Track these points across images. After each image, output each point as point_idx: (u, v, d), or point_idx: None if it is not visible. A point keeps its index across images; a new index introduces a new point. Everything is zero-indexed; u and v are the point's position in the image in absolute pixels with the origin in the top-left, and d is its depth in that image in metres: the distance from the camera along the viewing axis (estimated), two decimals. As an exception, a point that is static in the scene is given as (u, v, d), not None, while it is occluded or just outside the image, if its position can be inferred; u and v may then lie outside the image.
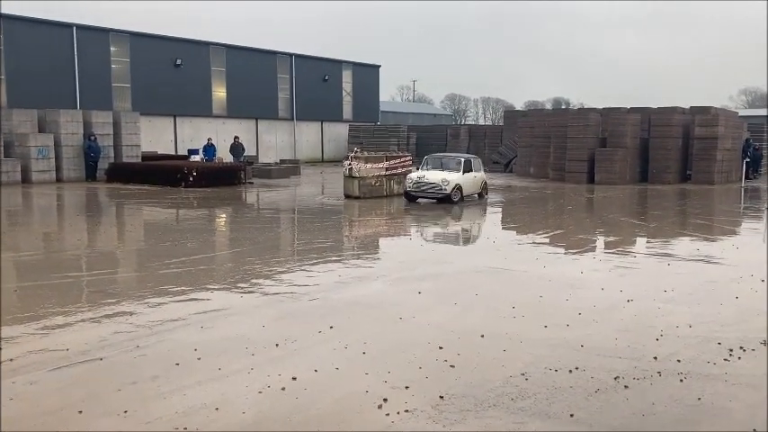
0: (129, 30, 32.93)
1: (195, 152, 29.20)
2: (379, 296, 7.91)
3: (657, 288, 8.11)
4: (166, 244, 11.70)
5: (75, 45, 30.15)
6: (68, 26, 30.39)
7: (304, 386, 4.92)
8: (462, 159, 18.82)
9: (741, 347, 5.84)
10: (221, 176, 23.70)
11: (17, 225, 14.74)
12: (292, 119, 40.88)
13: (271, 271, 9.25)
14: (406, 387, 4.90)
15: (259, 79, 38.28)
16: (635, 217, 16.64)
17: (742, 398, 4.82)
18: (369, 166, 19.27)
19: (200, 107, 35.62)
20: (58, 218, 16.55)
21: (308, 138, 42.15)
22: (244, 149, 29.60)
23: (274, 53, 39.90)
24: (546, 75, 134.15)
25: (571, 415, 4.47)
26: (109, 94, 31.69)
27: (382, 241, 12.84)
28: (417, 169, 19.11)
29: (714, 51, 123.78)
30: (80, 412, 4.47)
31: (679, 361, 5.51)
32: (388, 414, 4.45)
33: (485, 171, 20.54)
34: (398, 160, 20.32)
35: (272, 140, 39.65)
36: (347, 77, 44.85)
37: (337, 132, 43.31)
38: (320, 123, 42.90)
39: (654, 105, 29.44)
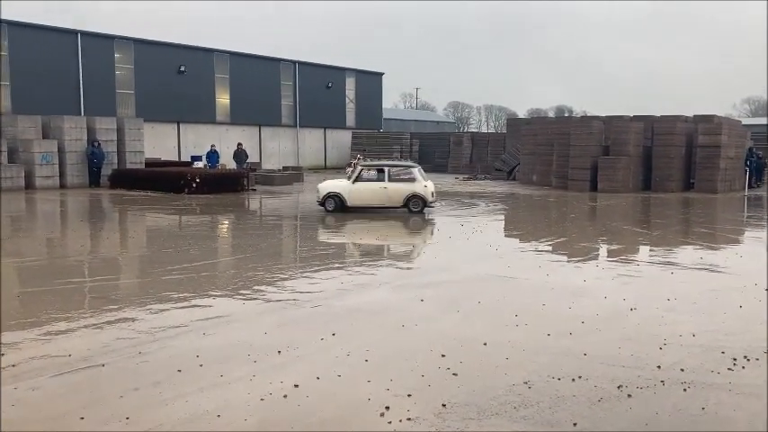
0: (134, 36, 33.12)
1: (198, 159, 29.29)
2: (381, 303, 7.89)
3: (661, 297, 8.09)
4: (169, 250, 11.71)
5: (80, 51, 30.33)
6: (73, 32, 30.58)
7: (306, 393, 4.91)
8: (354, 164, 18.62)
9: (745, 357, 5.82)
10: (224, 183, 23.71)
11: (20, 231, 14.78)
12: (295, 126, 40.97)
13: (273, 278, 9.25)
14: (409, 395, 4.89)
15: (262, 86, 38.40)
16: (638, 225, 16.61)
17: (746, 407, 4.80)
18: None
19: (204, 114, 35.74)
20: (61, 224, 16.57)
21: (311, 145, 42.24)
22: (247, 156, 29.67)
23: (278, 60, 40.04)
24: (550, 83, 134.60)
25: (574, 424, 4.46)
26: (113, 101, 31.83)
27: (384, 248, 12.83)
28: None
29: (718, 60, 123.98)
30: (82, 418, 4.47)
31: (682, 370, 5.49)
32: (390, 422, 4.44)
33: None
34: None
35: (275, 147, 39.72)
36: (350, 85, 44.99)
37: (340, 139, 43.38)
38: (323, 130, 43.00)
39: (657, 114, 29.46)
